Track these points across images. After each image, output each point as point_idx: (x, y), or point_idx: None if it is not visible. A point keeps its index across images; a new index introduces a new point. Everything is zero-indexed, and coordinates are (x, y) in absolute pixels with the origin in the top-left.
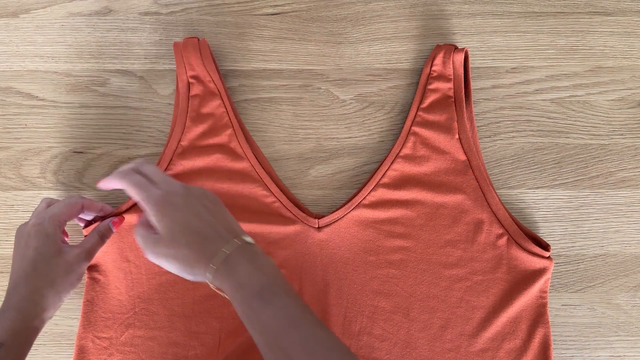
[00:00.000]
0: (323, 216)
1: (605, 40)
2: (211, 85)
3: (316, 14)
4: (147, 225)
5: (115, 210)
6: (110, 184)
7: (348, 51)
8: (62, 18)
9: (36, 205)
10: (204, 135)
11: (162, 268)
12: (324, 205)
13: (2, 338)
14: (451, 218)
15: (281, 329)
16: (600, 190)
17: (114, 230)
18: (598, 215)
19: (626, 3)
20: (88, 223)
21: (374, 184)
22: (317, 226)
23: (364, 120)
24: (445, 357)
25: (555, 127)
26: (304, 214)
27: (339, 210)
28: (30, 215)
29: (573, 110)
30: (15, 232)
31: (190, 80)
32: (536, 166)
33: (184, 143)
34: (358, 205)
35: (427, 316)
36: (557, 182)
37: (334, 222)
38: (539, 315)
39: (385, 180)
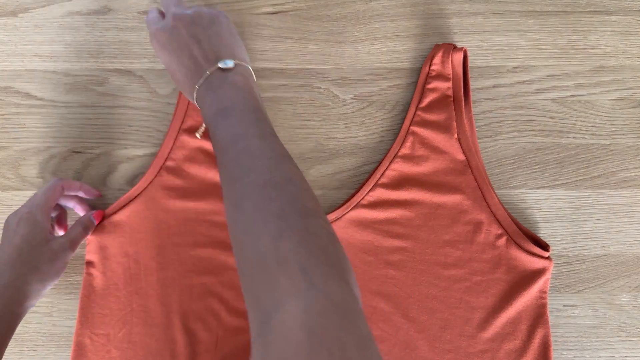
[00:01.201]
0: None
1: (607, 40)
2: None
3: (316, 13)
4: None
5: (94, 189)
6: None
7: (348, 50)
8: (61, 17)
9: None
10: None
11: (160, 264)
12: (323, 205)
13: None
14: (450, 218)
15: (225, 145)
16: (602, 191)
17: (95, 222)
18: (600, 215)
19: (628, 2)
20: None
21: (373, 184)
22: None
23: (364, 120)
24: (445, 358)
25: (556, 126)
26: None
27: (337, 211)
28: None
29: (575, 110)
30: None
31: None
32: (537, 166)
33: (183, 134)
34: (356, 206)
35: (426, 317)
36: (558, 182)
37: (332, 221)
38: (538, 315)
39: (383, 180)
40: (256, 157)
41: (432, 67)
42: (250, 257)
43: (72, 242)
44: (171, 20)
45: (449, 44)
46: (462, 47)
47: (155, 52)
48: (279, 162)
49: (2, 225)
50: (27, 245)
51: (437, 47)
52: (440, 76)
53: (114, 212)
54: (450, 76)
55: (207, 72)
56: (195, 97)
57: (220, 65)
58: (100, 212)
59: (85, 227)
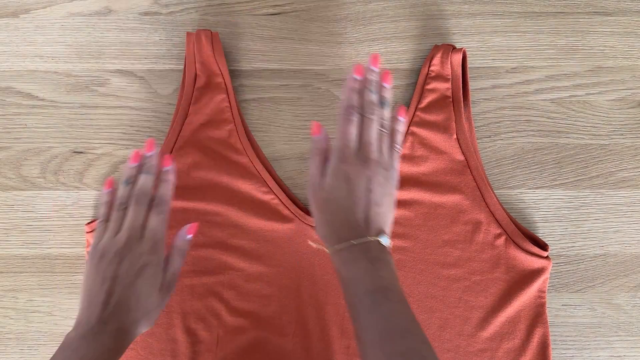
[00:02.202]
0: None
1: (606, 40)
2: (219, 79)
3: (316, 14)
4: (323, 160)
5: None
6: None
7: (348, 51)
8: (62, 18)
9: (36, 206)
10: (204, 127)
11: None
12: None
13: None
14: (449, 218)
15: (390, 329)
16: (600, 191)
17: (190, 238)
18: (598, 215)
19: (626, 3)
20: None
21: None
22: (314, 224)
23: None
24: (444, 358)
25: (555, 127)
26: (302, 212)
27: None
28: (28, 214)
29: (573, 110)
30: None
31: (199, 72)
32: (536, 166)
33: (184, 134)
34: None
35: (425, 316)
36: (557, 182)
37: None
38: (537, 315)
39: None
40: None
41: (431, 68)
42: None
43: (176, 276)
44: (366, 160)
45: (448, 44)
46: (461, 48)
47: (333, 168)
48: None
49: (1, 226)
50: (146, 291)
51: (436, 48)
52: (440, 77)
53: None
54: (450, 77)
55: (370, 239)
56: (340, 248)
57: (381, 240)
58: (194, 225)
59: (183, 252)
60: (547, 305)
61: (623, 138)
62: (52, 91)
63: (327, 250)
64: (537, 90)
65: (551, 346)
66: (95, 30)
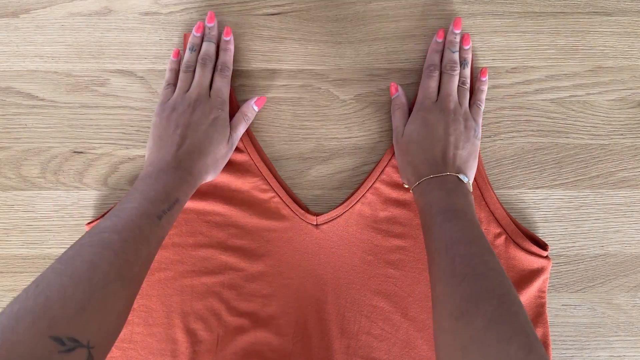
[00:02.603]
0: (322, 214)
1: (606, 40)
2: None
3: (316, 14)
4: (407, 112)
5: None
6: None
7: (348, 51)
8: (62, 18)
9: (36, 206)
10: None
11: (160, 264)
12: (323, 205)
13: (178, 195)
14: None
15: (454, 241)
16: (600, 190)
17: (257, 109)
18: (598, 215)
19: (626, 3)
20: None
21: (372, 181)
22: (315, 223)
23: (363, 120)
24: None
25: (555, 127)
26: (303, 211)
27: (337, 209)
28: (28, 214)
29: (573, 111)
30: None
31: None
32: (536, 166)
33: None
34: (356, 204)
35: (425, 316)
36: (557, 182)
37: (332, 219)
38: (537, 314)
39: (383, 178)
40: (490, 268)
41: None
42: None
43: (239, 138)
44: (445, 109)
45: None
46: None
47: (413, 116)
48: (503, 275)
49: (1, 226)
50: (217, 139)
51: None
52: None
53: None
54: None
55: (448, 173)
56: (419, 182)
57: (461, 177)
58: (263, 98)
59: (248, 120)
60: (547, 305)
61: (623, 138)
62: (52, 91)
63: (410, 191)
64: (537, 90)
65: (551, 346)
66: (95, 30)
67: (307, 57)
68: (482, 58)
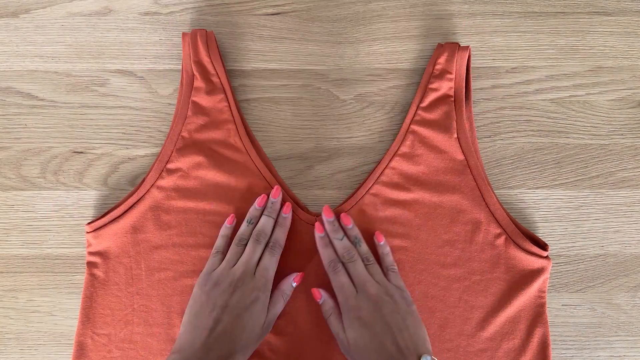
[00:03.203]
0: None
1: (606, 40)
2: (215, 79)
3: (316, 14)
4: (340, 320)
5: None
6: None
7: (348, 51)
8: (62, 18)
9: (36, 206)
10: (204, 127)
11: (161, 264)
12: (323, 205)
13: None
14: (449, 218)
15: None
16: (600, 190)
17: (296, 285)
18: (598, 215)
19: (626, 3)
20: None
21: (372, 182)
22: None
23: (364, 120)
24: (444, 357)
25: (555, 127)
26: (302, 211)
27: (337, 209)
28: (28, 214)
29: (573, 110)
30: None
31: (195, 72)
32: (536, 166)
33: (184, 134)
34: (356, 204)
35: (425, 316)
36: (557, 182)
37: (332, 220)
38: (537, 315)
39: (383, 178)
40: None
41: (437, 67)
42: None
43: (276, 316)
44: (370, 297)
45: (453, 43)
46: (467, 46)
47: (346, 321)
48: None
49: (1, 226)
50: (252, 325)
51: (441, 47)
52: (444, 76)
53: (117, 215)
54: (453, 76)
55: None
56: None
57: (423, 358)
58: (301, 274)
59: (287, 297)
60: (547, 305)
61: (623, 138)
62: (52, 91)
63: None
64: (537, 90)
65: (551, 346)
66: (95, 30)
67: (307, 57)
68: (482, 58)
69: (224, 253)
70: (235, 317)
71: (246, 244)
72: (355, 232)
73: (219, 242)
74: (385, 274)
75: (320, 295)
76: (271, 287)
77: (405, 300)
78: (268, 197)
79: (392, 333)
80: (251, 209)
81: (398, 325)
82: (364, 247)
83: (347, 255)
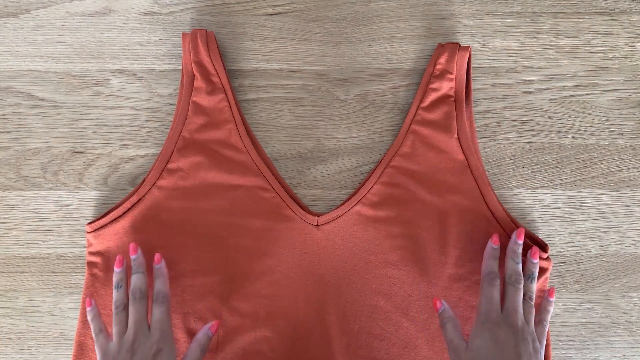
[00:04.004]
0: (322, 214)
1: (606, 40)
2: (215, 79)
3: (316, 14)
4: (458, 324)
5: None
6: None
7: (348, 51)
8: (62, 18)
9: (36, 206)
10: (205, 127)
11: None
12: (323, 205)
13: None
14: (449, 218)
15: None
16: (600, 190)
17: (212, 334)
18: (598, 215)
19: (626, 3)
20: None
21: (373, 182)
22: (315, 224)
23: (364, 120)
24: (445, 357)
25: (555, 127)
26: (303, 211)
27: (337, 209)
28: (28, 214)
29: (573, 110)
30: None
31: (195, 72)
32: (536, 166)
33: (184, 134)
34: (357, 204)
35: (426, 316)
36: (557, 182)
37: (332, 220)
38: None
39: (384, 178)
40: None
41: (437, 67)
42: None
43: None
44: (512, 326)
45: (453, 43)
46: (468, 46)
47: (477, 329)
48: None
49: (1, 226)
50: None
51: (441, 47)
52: (444, 76)
53: (118, 215)
54: (454, 76)
55: None
56: None
57: None
58: (217, 322)
59: (204, 347)
60: None
61: (623, 138)
62: (52, 91)
63: None
64: (537, 90)
65: (551, 346)
66: (95, 30)
67: (307, 57)
68: (482, 58)
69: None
70: None
71: (124, 309)
72: (536, 270)
73: (93, 325)
74: (536, 324)
75: (442, 304)
76: (172, 338)
77: (539, 354)
78: (123, 259)
79: None
80: (114, 274)
81: None
82: (534, 286)
83: (515, 277)
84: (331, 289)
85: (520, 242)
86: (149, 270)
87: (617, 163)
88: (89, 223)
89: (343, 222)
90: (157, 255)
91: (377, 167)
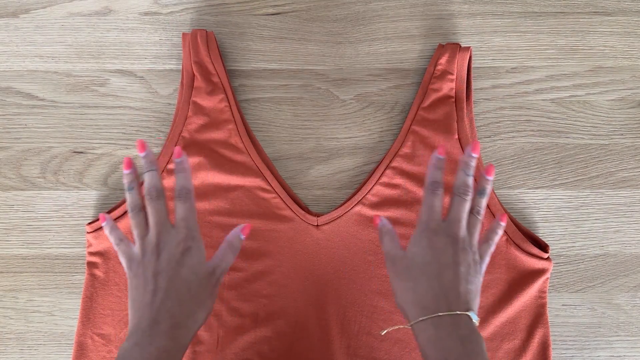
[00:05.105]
0: (322, 214)
1: (606, 40)
2: (215, 79)
3: (316, 14)
4: (395, 235)
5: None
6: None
7: (348, 51)
8: (62, 18)
9: (36, 206)
10: (205, 127)
11: None
12: (324, 205)
13: None
14: None
15: None
16: (600, 190)
17: (243, 238)
18: (598, 215)
19: (626, 3)
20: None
21: (373, 182)
22: (316, 224)
23: (364, 120)
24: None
25: (555, 127)
26: (303, 212)
27: (338, 209)
28: (28, 214)
29: (573, 110)
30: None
31: (195, 73)
32: (536, 166)
33: (185, 134)
34: (357, 204)
35: None
36: (557, 182)
37: (332, 220)
38: (538, 315)
39: (384, 179)
40: None
41: (438, 67)
42: None
43: (226, 270)
44: (453, 235)
45: (454, 43)
46: (468, 47)
47: (416, 237)
48: None
49: (1, 226)
50: (195, 278)
51: (442, 48)
52: (445, 76)
53: (118, 215)
54: (454, 77)
55: (459, 312)
56: (423, 318)
57: (472, 316)
58: (249, 225)
59: (236, 249)
60: (547, 306)
61: (623, 138)
62: (52, 91)
63: (407, 326)
64: (537, 90)
65: (551, 346)
66: (95, 30)
67: (307, 57)
68: (482, 58)
69: (143, 206)
70: (172, 277)
71: (141, 210)
72: (489, 187)
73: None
74: (481, 242)
75: (380, 219)
76: (199, 234)
77: (479, 266)
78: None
79: (456, 274)
80: (124, 176)
81: (466, 275)
82: (484, 202)
83: (463, 189)
84: (331, 289)
85: (475, 155)
86: None
87: (617, 163)
88: (89, 223)
89: (343, 223)
90: (177, 149)
91: (377, 167)
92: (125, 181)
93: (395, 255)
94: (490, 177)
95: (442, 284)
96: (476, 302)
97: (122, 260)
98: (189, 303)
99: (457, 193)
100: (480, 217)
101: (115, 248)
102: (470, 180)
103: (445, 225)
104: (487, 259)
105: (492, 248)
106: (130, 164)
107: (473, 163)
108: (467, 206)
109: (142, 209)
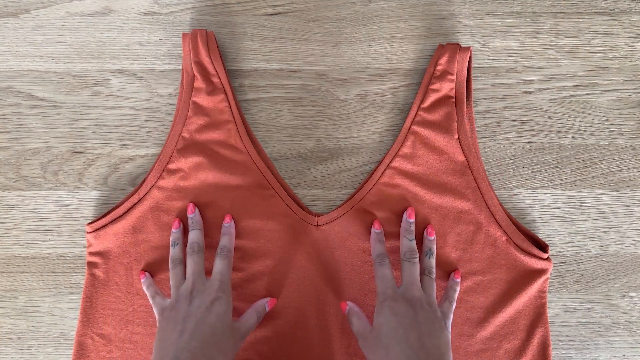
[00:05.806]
0: (322, 214)
1: (606, 40)
2: (215, 79)
3: (316, 14)
4: (362, 314)
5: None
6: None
7: (348, 51)
8: (62, 18)
9: (36, 206)
10: (205, 127)
11: (161, 265)
12: (323, 205)
13: None
14: (450, 218)
15: None
16: (600, 190)
17: (268, 309)
18: (598, 215)
19: (626, 3)
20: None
21: (373, 182)
22: (315, 224)
23: (364, 120)
24: None
25: (555, 127)
26: (303, 211)
27: (338, 209)
28: (28, 214)
29: (573, 110)
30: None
31: (195, 73)
32: (536, 166)
33: (185, 135)
34: (357, 204)
35: None
36: (557, 182)
37: (332, 220)
38: (537, 315)
39: (384, 179)
40: None
41: (438, 68)
42: None
43: (249, 330)
44: (411, 297)
45: (454, 43)
46: (468, 47)
47: (378, 308)
48: None
49: (1, 226)
50: (220, 325)
51: (442, 48)
52: (445, 77)
53: (118, 215)
54: (454, 77)
55: None
56: None
57: None
58: (274, 300)
59: (260, 315)
60: (547, 306)
61: (623, 138)
62: (52, 91)
63: None
64: (537, 90)
65: (551, 346)
66: (95, 30)
67: (307, 57)
68: (482, 58)
69: (183, 261)
70: (199, 321)
71: (180, 264)
72: (434, 247)
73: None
74: (441, 302)
75: (347, 305)
76: (230, 290)
77: (443, 322)
78: (181, 221)
79: (419, 331)
80: (172, 234)
81: (429, 329)
82: (433, 262)
83: (410, 254)
84: (331, 289)
85: (411, 220)
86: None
87: (617, 163)
88: (89, 223)
89: (343, 223)
90: (227, 216)
91: (377, 167)
92: (172, 238)
93: (364, 331)
94: (432, 237)
95: (410, 345)
96: (448, 356)
97: (155, 310)
98: (211, 347)
99: (405, 258)
100: (433, 276)
101: (151, 301)
102: (414, 244)
103: (401, 290)
104: (450, 316)
105: (454, 305)
106: (179, 224)
107: (412, 228)
108: (417, 268)
109: (181, 262)
